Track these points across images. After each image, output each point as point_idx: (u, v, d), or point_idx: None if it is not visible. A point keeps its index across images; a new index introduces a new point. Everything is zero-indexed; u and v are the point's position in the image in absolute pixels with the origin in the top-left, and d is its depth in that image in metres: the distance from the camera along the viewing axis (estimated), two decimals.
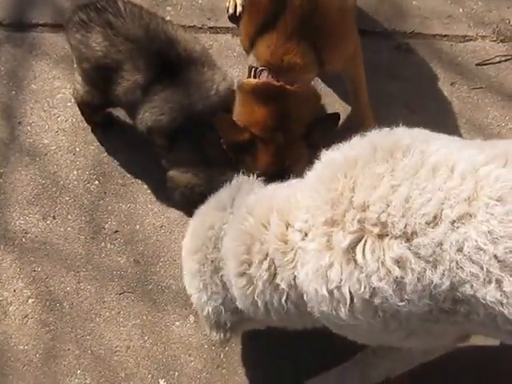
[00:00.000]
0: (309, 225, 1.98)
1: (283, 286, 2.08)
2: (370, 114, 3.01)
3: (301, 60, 2.66)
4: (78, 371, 2.79)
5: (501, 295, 1.75)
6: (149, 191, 3.08)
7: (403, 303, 1.83)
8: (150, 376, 2.78)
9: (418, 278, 1.80)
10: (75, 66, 3.00)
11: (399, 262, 1.81)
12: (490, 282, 1.75)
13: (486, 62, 3.26)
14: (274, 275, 2.09)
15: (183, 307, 2.87)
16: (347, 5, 2.80)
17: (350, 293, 1.87)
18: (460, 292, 1.80)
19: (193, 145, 2.81)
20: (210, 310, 2.36)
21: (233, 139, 2.70)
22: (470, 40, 3.31)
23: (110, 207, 3.06)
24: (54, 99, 3.26)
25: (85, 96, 3.02)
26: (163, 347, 2.81)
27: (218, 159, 2.80)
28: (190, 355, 2.80)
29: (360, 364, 2.52)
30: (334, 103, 3.18)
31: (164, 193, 3.04)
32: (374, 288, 1.84)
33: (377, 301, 1.86)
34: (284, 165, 2.67)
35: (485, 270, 1.75)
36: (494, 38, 3.31)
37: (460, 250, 1.77)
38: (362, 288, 1.85)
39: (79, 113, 3.17)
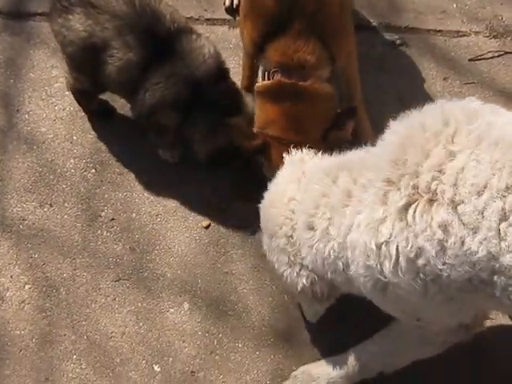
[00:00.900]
0: (371, 182, 2.05)
1: (334, 234, 2.17)
2: (365, 114, 3.04)
3: (311, 57, 2.69)
4: (74, 356, 2.82)
5: None
6: (145, 180, 3.10)
7: (444, 267, 1.88)
8: (144, 361, 2.81)
9: (459, 243, 1.85)
10: (61, 53, 3.00)
11: (444, 226, 1.86)
12: None
13: (479, 58, 3.30)
14: (331, 223, 2.18)
15: (178, 294, 2.90)
16: (347, 0, 2.84)
17: (397, 250, 1.94)
18: (499, 262, 1.83)
19: (206, 110, 2.83)
20: (304, 280, 2.39)
21: (246, 146, 2.74)
22: (464, 35, 3.35)
23: (106, 195, 3.08)
24: (51, 88, 3.28)
25: (74, 83, 3.03)
26: (158, 333, 2.85)
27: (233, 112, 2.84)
28: (183, 341, 2.83)
29: (353, 355, 2.55)
30: None
31: (160, 181, 3.09)
32: (419, 247, 1.90)
33: (420, 262, 1.92)
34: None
35: None
36: (487, 34, 3.35)
37: (504, 218, 1.81)
38: (409, 246, 1.91)
39: (76, 102, 3.19)
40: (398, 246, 1.94)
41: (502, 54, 3.30)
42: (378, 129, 2.23)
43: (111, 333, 2.86)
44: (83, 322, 2.87)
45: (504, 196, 1.81)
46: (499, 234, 1.81)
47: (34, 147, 3.18)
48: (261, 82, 2.82)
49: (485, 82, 3.24)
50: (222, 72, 2.88)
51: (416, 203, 1.91)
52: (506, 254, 1.81)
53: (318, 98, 2.71)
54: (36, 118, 3.23)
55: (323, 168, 2.34)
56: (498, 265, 1.83)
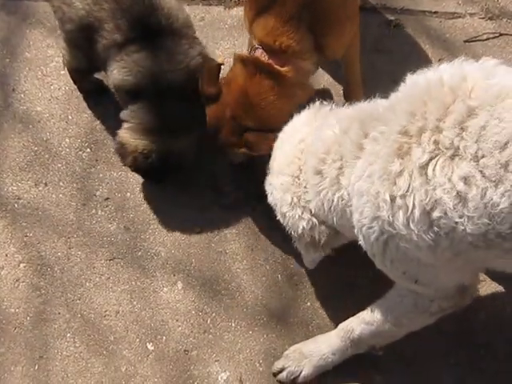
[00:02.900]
0: (384, 134, 2.06)
1: (343, 183, 2.20)
2: (361, 93, 3.01)
3: (296, 45, 2.65)
4: (68, 334, 2.84)
5: None
6: None
7: (461, 220, 1.90)
8: (138, 340, 2.82)
9: (480, 196, 1.87)
10: (59, 30, 2.99)
11: (465, 179, 1.88)
12: None
13: (474, 39, 3.28)
14: (341, 173, 2.21)
15: (171, 274, 2.91)
16: None
17: (414, 202, 1.95)
18: None
19: (151, 109, 2.83)
20: (305, 224, 2.43)
21: (203, 88, 2.75)
22: (459, 17, 3.34)
23: (101, 175, 3.09)
24: (47, 67, 3.28)
25: (71, 61, 3.04)
26: (151, 312, 2.86)
27: (174, 129, 2.84)
28: (177, 320, 2.85)
29: (345, 329, 2.56)
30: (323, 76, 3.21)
31: None
32: (436, 200, 1.92)
33: (435, 214, 1.94)
34: (218, 133, 2.74)
35: None
36: (483, 16, 3.34)
37: None
38: (427, 199, 1.93)
39: (72, 81, 3.19)
40: (414, 199, 1.95)
41: (497, 36, 3.28)
42: None
43: (105, 311, 2.87)
44: (77, 301, 2.89)
45: None
46: None
47: (30, 126, 3.18)
48: (241, 52, 2.81)
49: None
50: (191, 91, 2.80)
51: (437, 158, 1.93)
52: None
53: (285, 87, 2.68)
54: (31, 97, 3.24)
55: (336, 115, 2.37)
56: None
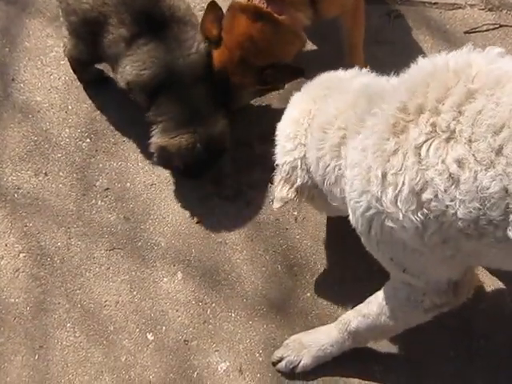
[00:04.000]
0: (384, 110, 2.07)
1: (343, 155, 2.22)
2: (362, 57, 3.04)
3: None
4: (68, 324, 2.83)
5: None
6: (140, 150, 3.10)
7: (452, 203, 1.91)
8: (137, 330, 2.82)
9: (472, 179, 1.87)
10: (62, 19, 2.99)
11: (459, 161, 1.89)
12: None
13: (474, 31, 3.29)
14: (343, 144, 2.23)
15: (171, 264, 2.91)
16: None
17: (404, 181, 1.96)
18: None
19: (175, 100, 2.84)
20: (288, 159, 2.45)
21: (203, 28, 2.86)
22: (459, 8, 3.34)
23: (101, 165, 3.09)
24: (47, 57, 3.28)
25: (73, 51, 3.03)
26: (151, 302, 2.86)
27: (205, 114, 2.87)
28: (177, 310, 2.84)
29: (342, 322, 2.57)
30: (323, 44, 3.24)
31: None
32: (427, 181, 1.93)
33: (426, 196, 1.94)
34: (228, 78, 2.83)
35: None
36: (483, 7, 3.34)
37: None
38: (417, 179, 1.94)
39: (72, 71, 3.19)
40: (405, 178, 1.96)
41: (497, 27, 3.29)
42: None
43: (105, 301, 2.87)
44: (77, 291, 2.89)
45: None
46: None
47: (29, 116, 3.18)
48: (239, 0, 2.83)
49: None
50: (204, 73, 2.87)
51: (432, 140, 1.94)
52: None
53: (283, 33, 2.76)
54: (31, 87, 3.23)
55: (349, 85, 2.40)
56: None
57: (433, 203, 1.94)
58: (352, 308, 2.58)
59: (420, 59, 2.15)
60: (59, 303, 2.87)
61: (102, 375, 2.76)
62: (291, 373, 2.68)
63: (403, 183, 1.96)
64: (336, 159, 2.27)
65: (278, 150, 2.52)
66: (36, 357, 2.79)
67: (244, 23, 2.75)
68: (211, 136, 2.87)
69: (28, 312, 2.86)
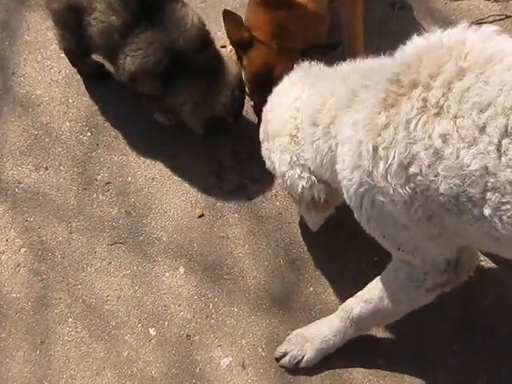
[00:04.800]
0: (375, 82, 2.07)
1: (333, 132, 2.21)
2: (362, 48, 3.01)
3: None
4: (70, 319, 2.83)
5: None
6: (141, 143, 3.09)
7: (435, 178, 1.92)
8: (140, 325, 2.81)
9: (455, 155, 1.88)
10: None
11: (444, 136, 1.90)
12: None
13: (480, 22, 3.24)
14: (333, 121, 2.22)
15: (173, 258, 2.90)
16: None
17: (394, 155, 1.97)
18: (496, 178, 1.86)
19: (188, 80, 2.82)
20: (304, 183, 2.42)
21: (234, 36, 2.80)
22: None
23: (102, 159, 3.07)
24: (47, 50, 3.26)
25: (61, 42, 3.01)
26: (153, 297, 2.85)
27: (218, 77, 2.87)
28: (179, 305, 2.83)
29: (344, 311, 2.56)
30: None
31: (156, 145, 3.07)
32: (413, 155, 1.94)
33: (412, 170, 1.96)
34: (272, 73, 2.74)
35: None
36: None
37: (507, 135, 1.84)
38: (405, 152, 1.95)
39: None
40: (395, 152, 1.96)
41: (503, 18, 3.26)
42: None
43: (107, 296, 2.86)
44: (79, 286, 2.88)
45: (508, 114, 1.84)
46: (500, 149, 1.85)
47: (30, 110, 3.16)
48: None
49: None
50: (205, 42, 2.86)
51: (421, 114, 1.94)
52: (507, 168, 1.84)
53: (310, 16, 2.74)
54: (31, 80, 3.21)
55: (334, 70, 2.39)
56: (493, 180, 1.87)
57: (418, 177, 1.96)
58: None
59: (415, 37, 2.15)
60: (60, 298, 2.86)
61: (103, 370, 2.76)
62: (295, 368, 2.67)
63: (393, 157, 1.97)
64: (328, 141, 2.25)
65: (285, 181, 2.48)
66: (37, 352, 2.79)
67: (268, 14, 2.73)
68: (235, 87, 2.87)
69: (29, 307, 2.85)
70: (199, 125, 2.91)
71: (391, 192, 2.01)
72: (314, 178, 2.41)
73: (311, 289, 2.82)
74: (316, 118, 2.29)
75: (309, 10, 2.73)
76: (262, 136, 2.61)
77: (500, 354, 2.67)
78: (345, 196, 2.22)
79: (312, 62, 2.55)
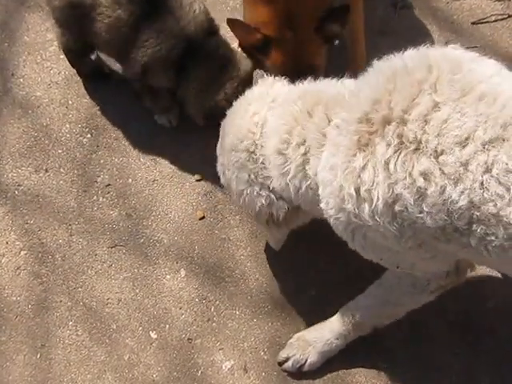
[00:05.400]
0: (345, 122, 2.05)
1: (310, 173, 2.18)
2: (364, 51, 2.98)
3: None
4: (70, 323, 2.81)
5: None
6: (141, 145, 3.07)
7: (421, 215, 1.92)
8: (140, 328, 2.80)
9: (439, 192, 1.88)
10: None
11: (425, 174, 1.89)
12: None
13: (482, 21, 3.23)
14: (307, 162, 2.18)
15: (174, 261, 2.88)
16: None
17: (378, 195, 1.96)
18: (480, 211, 1.87)
19: (204, 63, 2.81)
20: (263, 200, 2.37)
21: (246, 41, 2.74)
22: None
23: (102, 161, 3.05)
24: (46, 52, 3.23)
25: (61, 40, 2.98)
26: (154, 300, 2.83)
27: (230, 57, 2.85)
28: (180, 308, 2.82)
29: (346, 313, 2.56)
30: None
31: (157, 147, 3.05)
32: (397, 194, 1.93)
33: (397, 208, 1.95)
34: (301, 61, 2.69)
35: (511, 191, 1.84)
36: None
37: (488, 171, 1.85)
38: (389, 193, 1.94)
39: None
40: (378, 193, 1.95)
41: (505, 18, 3.23)
42: None
43: (107, 299, 2.85)
44: (79, 289, 2.86)
45: (488, 150, 1.85)
46: (482, 184, 1.86)
47: (29, 112, 3.14)
48: None
49: (488, 46, 3.17)
50: (212, 27, 2.86)
51: (399, 152, 1.92)
52: (489, 202, 1.86)
53: None
54: (31, 82, 3.19)
55: (299, 93, 2.32)
56: (478, 213, 1.88)
57: (404, 213, 1.95)
58: None
59: (375, 62, 2.12)
60: (61, 301, 2.85)
61: (104, 374, 2.75)
62: (298, 372, 2.66)
63: (377, 198, 1.96)
64: (305, 180, 2.21)
65: (243, 199, 2.43)
66: (38, 356, 2.78)
67: (269, 6, 2.65)
68: (241, 79, 2.83)
69: (30, 310, 2.84)
70: (201, 114, 2.89)
71: (381, 229, 2.01)
72: (273, 196, 2.35)
73: (313, 292, 2.80)
74: (282, 149, 2.23)
75: None
76: (218, 151, 2.58)
77: (502, 356, 2.66)
78: (335, 230, 2.21)
79: (276, 78, 2.50)
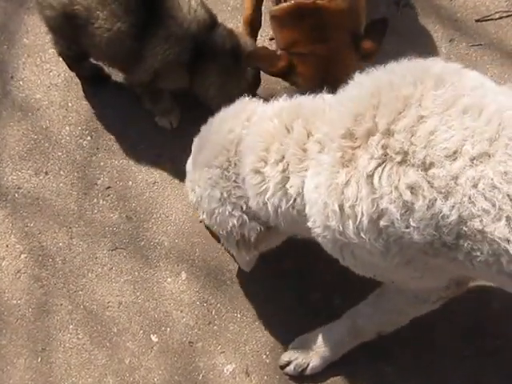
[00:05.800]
0: (328, 138, 2.02)
1: (292, 192, 2.13)
2: None
3: None
4: (71, 326, 2.81)
5: (509, 232, 1.81)
6: (142, 147, 3.05)
7: (408, 230, 1.88)
8: (141, 331, 2.79)
9: (427, 206, 1.85)
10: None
11: (412, 188, 1.86)
12: (499, 219, 1.82)
13: (486, 19, 3.19)
14: (287, 180, 2.13)
15: (175, 264, 2.87)
16: None
17: (362, 211, 1.92)
18: (467, 226, 1.85)
19: (215, 56, 2.80)
20: (235, 221, 2.33)
21: (272, 72, 2.71)
22: None
23: (102, 163, 3.04)
24: (46, 54, 3.21)
25: (57, 47, 2.96)
26: (155, 303, 2.82)
27: (236, 44, 2.85)
28: (181, 311, 2.81)
29: (349, 319, 2.54)
30: None
31: (157, 149, 3.04)
32: (382, 209, 1.89)
33: (383, 223, 1.91)
34: (332, 75, 2.63)
35: (497, 207, 1.81)
36: None
37: (475, 186, 1.83)
38: (373, 208, 1.90)
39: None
40: (363, 208, 1.92)
41: (510, 15, 3.19)
42: None
43: (108, 302, 2.84)
44: (80, 292, 2.86)
45: (476, 165, 1.84)
46: (470, 199, 1.83)
47: (29, 114, 3.13)
48: (277, 6, 2.70)
49: (492, 44, 3.14)
50: (213, 20, 2.85)
51: (384, 165, 1.89)
52: (475, 218, 1.83)
53: (340, 12, 2.61)
54: (30, 84, 3.18)
55: (274, 110, 2.28)
56: (466, 229, 1.85)
57: (390, 229, 1.91)
58: None
59: (357, 75, 2.09)
60: (61, 304, 2.84)
61: (105, 378, 2.75)
62: (300, 376, 2.64)
63: (362, 214, 1.93)
64: (285, 198, 2.16)
65: (214, 218, 2.40)
66: (39, 359, 2.78)
67: (300, 24, 2.61)
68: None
69: (30, 314, 2.84)
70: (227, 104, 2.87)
71: (367, 246, 1.97)
72: (245, 216, 2.31)
73: (317, 295, 2.78)
74: (259, 167, 2.19)
75: (334, 8, 2.59)
76: (188, 166, 2.55)
77: (508, 358, 2.64)
78: (324, 248, 2.18)
79: (252, 99, 2.47)
